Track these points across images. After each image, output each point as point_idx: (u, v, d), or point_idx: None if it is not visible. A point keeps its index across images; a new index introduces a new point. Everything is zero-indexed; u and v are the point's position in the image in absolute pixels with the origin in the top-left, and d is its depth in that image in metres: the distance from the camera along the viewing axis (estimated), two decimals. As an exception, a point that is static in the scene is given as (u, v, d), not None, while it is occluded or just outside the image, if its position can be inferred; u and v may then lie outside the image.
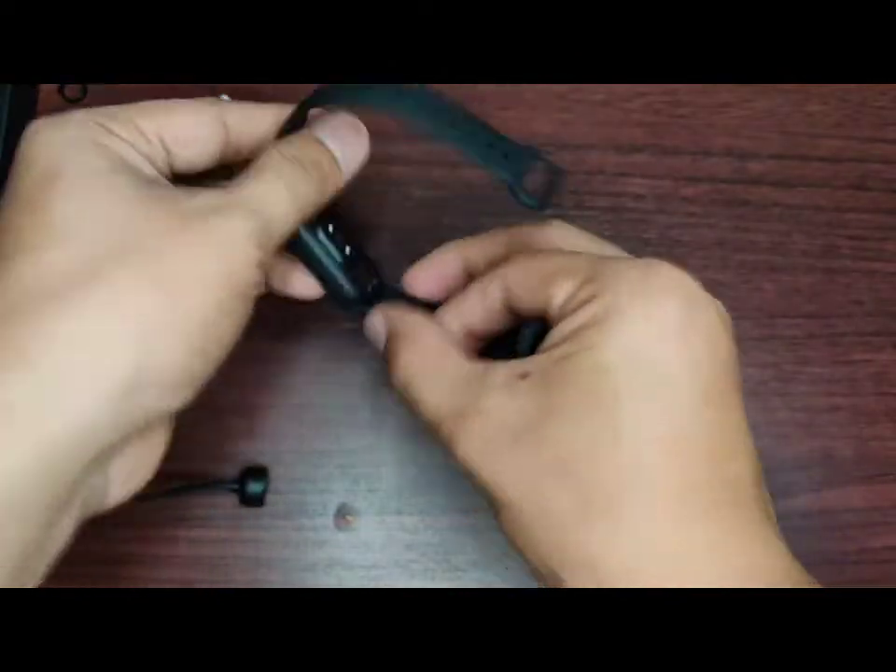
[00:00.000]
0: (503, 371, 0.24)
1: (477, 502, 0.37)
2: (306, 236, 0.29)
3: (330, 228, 0.29)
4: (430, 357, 0.27)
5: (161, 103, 0.26)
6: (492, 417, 0.24)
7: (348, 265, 0.30)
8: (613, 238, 0.41)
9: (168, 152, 0.26)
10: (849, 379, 0.40)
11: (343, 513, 0.37)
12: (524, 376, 0.24)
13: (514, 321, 0.27)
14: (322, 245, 0.29)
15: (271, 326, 0.39)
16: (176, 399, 0.25)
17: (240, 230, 0.24)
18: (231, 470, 0.37)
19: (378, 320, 0.29)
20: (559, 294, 0.24)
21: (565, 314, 0.24)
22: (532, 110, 0.42)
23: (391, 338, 0.28)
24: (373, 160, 0.41)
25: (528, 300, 0.25)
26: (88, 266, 0.23)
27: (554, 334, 0.24)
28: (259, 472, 0.37)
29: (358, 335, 0.39)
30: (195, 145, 0.27)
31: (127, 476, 0.26)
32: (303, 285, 0.31)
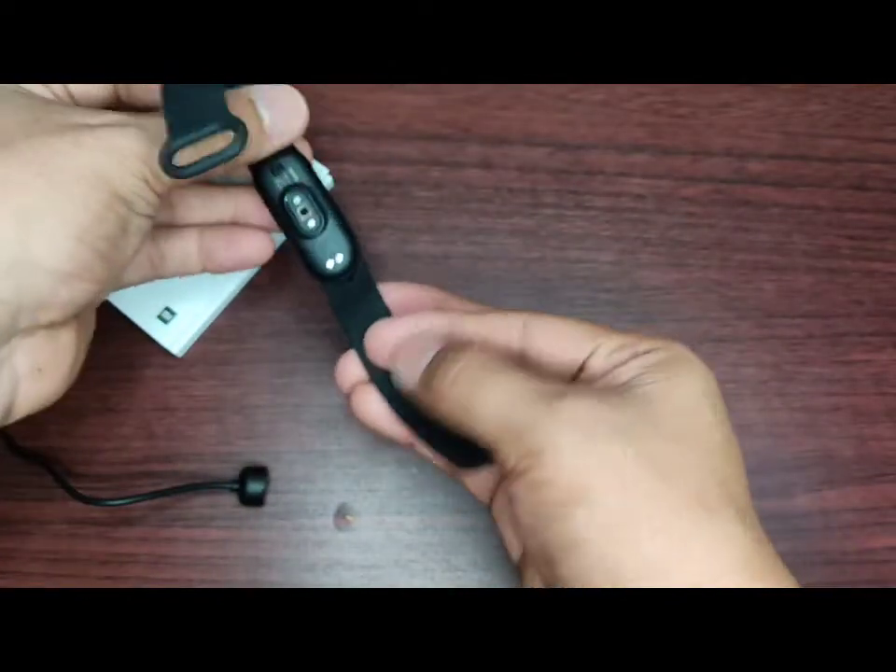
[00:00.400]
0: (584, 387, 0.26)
1: (477, 502, 0.38)
2: (275, 197, 0.31)
3: (297, 199, 0.31)
4: (496, 361, 0.26)
5: None
6: (590, 409, 0.24)
7: (311, 235, 0.31)
8: (613, 238, 0.41)
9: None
10: (849, 379, 0.40)
11: (342, 513, 0.37)
12: (614, 392, 0.25)
13: None
14: (289, 209, 0.31)
15: (270, 326, 0.39)
16: (69, 288, 0.26)
17: (125, 143, 0.26)
18: (231, 471, 0.37)
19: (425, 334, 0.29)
20: (608, 344, 0.27)
21: (618, 361, 0.26)
22: (532, 110, 0.42)
23: (447, 348, 0.27)
24: (373, 160, 0.41)
25: (559, 348, 0.27)
26: None
27: (621, 372, 0.26)
28: (259, 472, 0.37)
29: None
30: None
31: (35, 373, 0.27)
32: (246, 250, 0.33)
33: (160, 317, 0.37)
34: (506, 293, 0.40)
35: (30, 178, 0.25)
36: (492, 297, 0.40)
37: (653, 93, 0.42)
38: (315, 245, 0.31)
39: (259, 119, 0.29)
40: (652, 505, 0.23)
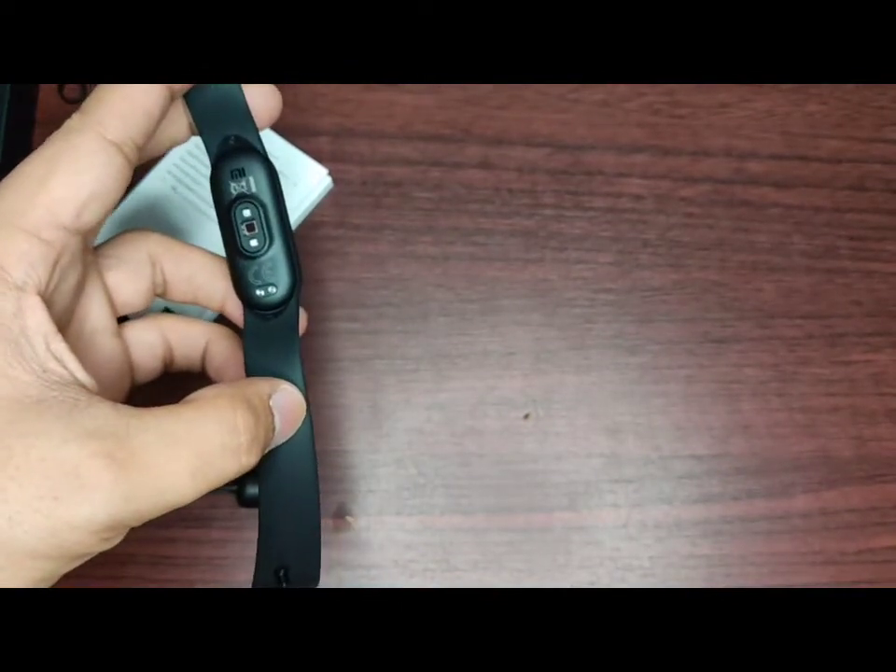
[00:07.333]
0: None
1: (477, 502, 0.38)
2: (223, 203, 0.27)
3: (246, 212, 0.27)
4: None
5: None
6: None
7: (250, 256, 0.27)
8: (613, 238, 0.41)
9: None
10: (849, 379, 0.40)
11: (342, 513, 0.37)
12: None
13: None
14: (234, 221, 0.27)
15: (270, 326, 0.39)
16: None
17: (88, 516, 0.22)
18: (231, 471, 0.37)
19: None
20: None
21: None
22: (532, 110, 0.42)
23: None
24: (373, 160, 0.41)
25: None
26: None
27: None
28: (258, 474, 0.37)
29: (358, 335, 0.39)
30: None
31: None
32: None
33: (159, 317, 0.37)
34: (506, 293, 0.40)
35: None
36: (492, 297, 0.40)
37: (653, 93, 0.42)
38: (249, 267, 0.27)
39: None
40: None
